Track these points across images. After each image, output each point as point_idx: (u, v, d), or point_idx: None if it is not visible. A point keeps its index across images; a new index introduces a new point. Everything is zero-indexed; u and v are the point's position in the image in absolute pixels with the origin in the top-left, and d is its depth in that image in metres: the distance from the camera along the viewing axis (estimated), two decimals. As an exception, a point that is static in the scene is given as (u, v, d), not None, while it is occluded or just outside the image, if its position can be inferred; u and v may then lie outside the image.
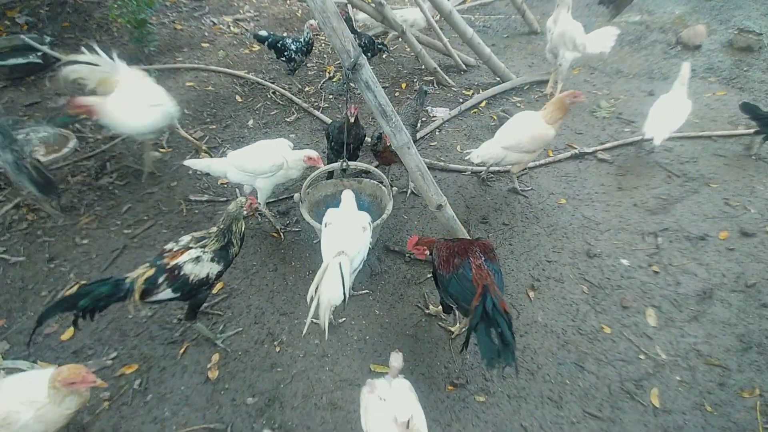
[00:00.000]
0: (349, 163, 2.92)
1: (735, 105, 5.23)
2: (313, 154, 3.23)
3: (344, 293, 2.31)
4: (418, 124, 3.93)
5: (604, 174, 4.17)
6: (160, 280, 2.31)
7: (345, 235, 2.52)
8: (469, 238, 2.52)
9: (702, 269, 3.25)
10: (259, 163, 3.17)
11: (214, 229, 2.51)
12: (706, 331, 2.86)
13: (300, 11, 7.27)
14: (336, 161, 3.63)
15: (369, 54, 5.09)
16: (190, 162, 3.30)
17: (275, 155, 3.19)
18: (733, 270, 3.24)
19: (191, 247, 2.41)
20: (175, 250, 2.41)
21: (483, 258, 2.37)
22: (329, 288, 2.30)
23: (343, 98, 4.86)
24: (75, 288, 2.98)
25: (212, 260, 2.41)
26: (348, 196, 2.84)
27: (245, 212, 2.54)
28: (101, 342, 2.72)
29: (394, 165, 3.71)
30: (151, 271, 2.32)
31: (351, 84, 2.56)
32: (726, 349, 2.76)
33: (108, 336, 2.75)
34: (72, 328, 2.77)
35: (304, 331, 2.57)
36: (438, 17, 5.54)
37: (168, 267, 2.33)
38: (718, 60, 6.26)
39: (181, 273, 2.33)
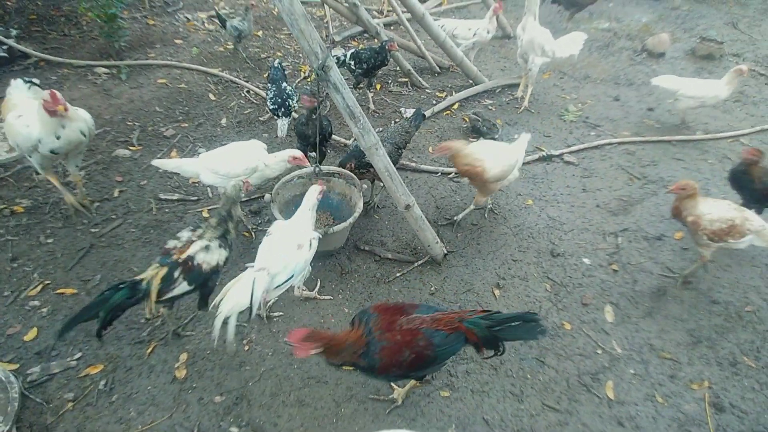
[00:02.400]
0: (322, 168, 2.96)
1: (693, 111, 5.48)
2: (298, 153, 3.20)
3: (251, 305, 2.39)
4: (404, 147, 3.74)
5: (569, 176, 4.31)
6: (176, 274, 2.41)
7: (274, 251, 2.56)
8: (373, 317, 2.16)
9: (657, 267, 3.41)
10: (233, 166, 3.13)
11: (213, 219, 2.61)
12: (660, 326, 3.01)
13: (276, 9, 7.24)
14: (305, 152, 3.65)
15: (376, 67, 4.74)
16: (158, 162, 3.24)
17: (249, 158, 3.17)
18: (686, 268, 3.41)
19: (194, 240, 2.52)
20: (179, 246, 2.51)
21: (412, 312, 2.18)
22: (235, 295, 2.41)
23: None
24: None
25: (220, 246, 2.55)
26: (308, 195, 2.82)
27: (243, 194, 2.67)
28: (66, 342, 2.69)
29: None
30: (165, 270, 2.40)
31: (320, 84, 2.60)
32: (677, 344, 2.91)
33: (73, 336, 2.71)
34: (35, 329, 2.73)
35: (215, 344, 2.61)
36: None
37: (181, 260, 2.43)
38: (681, 67, 6.51)
39: (195, 263, 2.44)
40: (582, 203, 3.99)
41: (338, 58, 4.77)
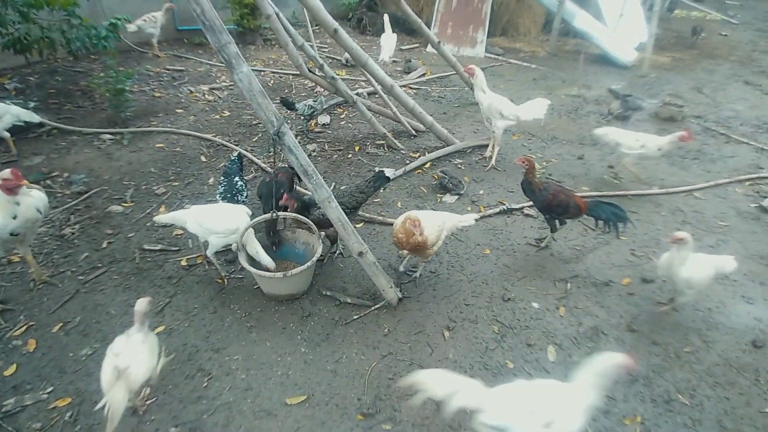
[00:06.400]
0: (279, 213, 3.32)
1: (652, 168, 5.86)
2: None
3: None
4: (357, 207, 3.90)
5: (528, 227, 4.62)
6: None
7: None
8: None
9: (603, 311, 3.61)
10: (216, 224, 3.52)
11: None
12: (599, 366, 3.16)
13: (272, 81, 8.00)
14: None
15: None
16: (158, 218, 3.64)
17: (231, 221, 3.53)
18: (630, 312, 3.61)
19: None
20: None
21: None
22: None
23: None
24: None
25: None
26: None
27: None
28: (40, 378, 2.93)
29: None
30: None
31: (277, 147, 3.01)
32: (615, 382, 3.05)
33: (47, 372, 2.96)
34: (15, 365, 2.98)
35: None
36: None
37: None
38: (644, 129, 6.97)
39: None
40: (537, 252, 4.26)
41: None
